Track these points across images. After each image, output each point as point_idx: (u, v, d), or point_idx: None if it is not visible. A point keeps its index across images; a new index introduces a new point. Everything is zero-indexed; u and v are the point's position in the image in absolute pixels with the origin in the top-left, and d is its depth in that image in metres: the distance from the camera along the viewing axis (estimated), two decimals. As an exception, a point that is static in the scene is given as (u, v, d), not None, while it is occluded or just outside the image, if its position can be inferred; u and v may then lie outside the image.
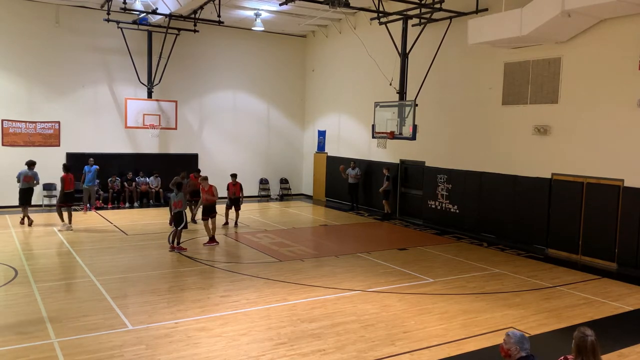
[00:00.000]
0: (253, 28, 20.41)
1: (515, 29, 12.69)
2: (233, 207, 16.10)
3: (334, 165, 21.56)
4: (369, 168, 19.94)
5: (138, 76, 19.91)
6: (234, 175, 16.22)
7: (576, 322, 8.49)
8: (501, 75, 15.07)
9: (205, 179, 13.96)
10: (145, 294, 9.44)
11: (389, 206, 18.58)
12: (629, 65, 12.05)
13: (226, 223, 16.20)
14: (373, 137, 16.98)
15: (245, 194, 22.81)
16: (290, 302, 9.09)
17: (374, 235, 15.84)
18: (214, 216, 13.54)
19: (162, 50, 19.80)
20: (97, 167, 18.46)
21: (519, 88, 14.59)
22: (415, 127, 15.28)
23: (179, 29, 19.69)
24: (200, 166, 21.84)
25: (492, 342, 7.56)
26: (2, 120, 18.39)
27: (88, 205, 18.49)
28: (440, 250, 13.73)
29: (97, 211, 18.47)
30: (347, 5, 14.03)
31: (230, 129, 22.61)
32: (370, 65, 18.46)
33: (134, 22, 18.87)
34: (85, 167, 18.25)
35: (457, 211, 16.45)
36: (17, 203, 17.09)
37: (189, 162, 21.64)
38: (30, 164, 16.06)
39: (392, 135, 15.88)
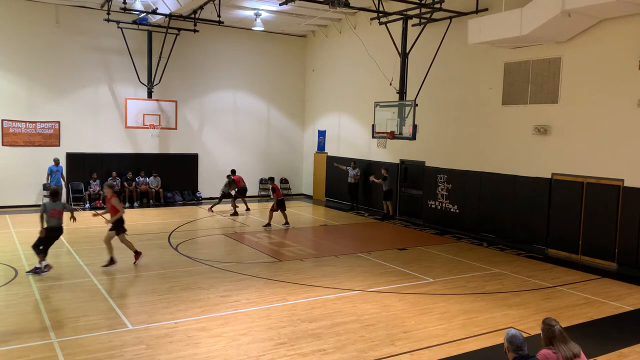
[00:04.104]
0: (253, 28, 20.42)
1: (515, 29, 12.69)
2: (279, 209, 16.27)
3: (335, 164, 21.61)
4: (369, 168, 19.94)
5: (138, 76, 19.91)
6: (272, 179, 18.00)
7: (576, 322, 8.51)
8: (501, 75, 15.07)
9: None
10: (145, 294, 9.45)
11: (391, 207, 18.55)
12: (629, 65, 12.05)
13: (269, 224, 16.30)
14: (373, 137, 16.98)
15: (245, 194, 22.93)
16: (290, 302, 9.09)
17: (374, 235, 15.84)
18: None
19: (162, 50, 19.80)
20: (62, 167, 18.60)
21: (519, 88, 14.59)
22: (415, 127, 15.28)
23: (179, 29, 19.68)
24: (200, 166, 21.93)
25: (492, 342, 7.56)
26: (2, 120, 18.39)
27: None
28: (440, 250, 13.73)
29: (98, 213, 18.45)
30: (347, 5, 14.02)
31: (230, 129, 22.61)
32: (370, 65, 18.47)
33: (134, 22, 18.86)
34: (51, 166, 18.18)
35: (457, 211, 16.45)
36: (16, 203, 17.20)
37: (189, 162, 21.69)
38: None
39: (392, 135, 15.88)
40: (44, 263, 10.36)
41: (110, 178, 19.70)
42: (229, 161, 22.19)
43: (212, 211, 18.81)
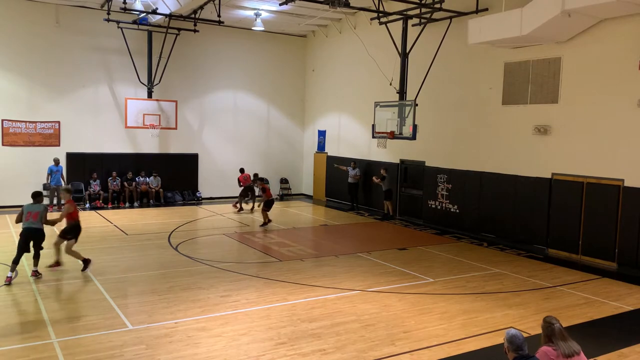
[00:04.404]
0: (253, 28, 20.41)
1: (515, 29, 12.69)
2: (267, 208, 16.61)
3: (335, 165, 21.63)
4: (369, 168, 19.94)
5: (138, 76, 19.90)
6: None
7: (576, 322, 8.51)
8: (501, 75, 15.07)
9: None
10: (145, 294, 9.45)
11: (391, 207, 18.54)
12: (629, 65, 12.05)
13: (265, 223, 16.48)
14: (373, 137, 16.98)
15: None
16: (290, 302, 9.09)
17: (374, 235, 15.84)
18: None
19: (162, 50, 19.79)
20: (62, 167, 18.65)
21: (519, 88, 14.59)
22: (415, 127, 15.28)
23: (179, 29, 19.68)
24: (200, 166, 21.94)
25: (492, 342, 7.56)
26: (2, 120, 18.38)
27: (54, 205, 18.30)
28: (440, 250, 13.73)
29: (98, 211, 18.46)
30: (347, 5, 14.02)
31: (230, 129, 22.61)
32: (370, 65, 18.46)
33: (134, 22, 18.86)
34: (51, 166, 18.18)
35: (457, 211, 16.45)
36: (16, 203, 17.18)
37: (189, 162, 21.69)
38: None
39: (392, 135, 15.88)
40: (11, 274, 9.83)
41: (110, 178, 19.73)
42: (229, 161, 22.22)
43: (249, 209, 19.37)
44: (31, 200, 10.45)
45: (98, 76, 19.88)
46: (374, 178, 18.81)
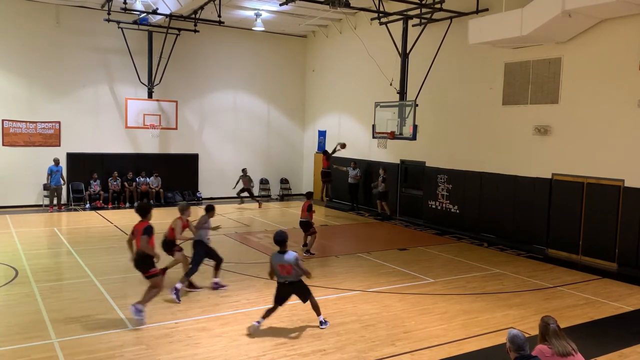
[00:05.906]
0: (253, 28, 20.40)
1: (515, 29, 12.69)
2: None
3: (334, 165, 21.59)
4: (369, 168, 19.93)
5: (138, 76, 19.90)
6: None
7: (577, 323, 8.50)
8: (501, 75, 15.06)
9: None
10: (145, 294, 9.43)
11: (388, 208, 18.51)
12: (629, 65, 12.05)
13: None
14: (373, 137, 16.99)
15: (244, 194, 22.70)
16: (290, 302, 9.06)
17: (374, 235, 15.84)
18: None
19: (162, 50, 19.78)
20: (62, 167, 18.64)
21: (519, 88, 14.58)
22: (415, 127, 15.28)
23: (180, 29, 19.67)
24: (200, 166, 21.91)
25: (492, 342, 7.56)
26: (3, 120, 18.38)
27: (54, 205, 18.34)
28: (441, 250, 13.72)
29: (99, 211, 18.44)
30: (347, 5, 14.02)
31: (230, 129, 22.60)
32: (371, 65, 18.45)
33: (135, 22, 18.85)
34: (51, 166, 18.19)
35: (457, 211, 16.45)
36: (16, 203, 17.17)
37: (189, 162, 21.69)
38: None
39: (392, 135, 15.89)
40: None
41: (110, 178, 19.74)
42: (229, 161, 22.21)
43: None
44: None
45: (98, 76, 19.88)
46: (373, 185, 18.67)
